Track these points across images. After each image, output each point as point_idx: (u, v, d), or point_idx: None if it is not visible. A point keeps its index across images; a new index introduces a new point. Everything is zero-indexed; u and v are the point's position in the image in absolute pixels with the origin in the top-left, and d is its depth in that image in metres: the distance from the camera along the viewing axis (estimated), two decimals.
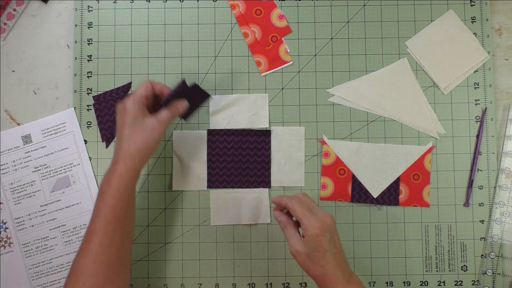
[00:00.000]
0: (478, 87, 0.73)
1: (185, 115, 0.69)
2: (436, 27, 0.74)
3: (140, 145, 0.59)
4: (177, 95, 0.65)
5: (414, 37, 0.74)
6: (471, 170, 0.72)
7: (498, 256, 0.71)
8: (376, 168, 0.72)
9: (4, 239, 0.71)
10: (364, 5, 0.74)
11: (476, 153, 0.72)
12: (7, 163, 0.72)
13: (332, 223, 0.58)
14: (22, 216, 0.71)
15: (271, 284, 0.71)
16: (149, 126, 0.60)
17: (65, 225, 0.71)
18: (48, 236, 0.71)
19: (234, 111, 0.73)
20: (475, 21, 0.74)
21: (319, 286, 0.58)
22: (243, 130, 0.72)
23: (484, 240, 0.71)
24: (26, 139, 0.72)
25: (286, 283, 0.71)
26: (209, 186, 0.72)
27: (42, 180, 0.71)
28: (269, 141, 0.72)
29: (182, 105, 0.65)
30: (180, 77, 0.73)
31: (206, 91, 0.70)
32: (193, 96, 0.68)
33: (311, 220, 0.56)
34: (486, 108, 0.72)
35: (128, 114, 0.60)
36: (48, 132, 0.72)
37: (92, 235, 0.57)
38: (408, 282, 0.71)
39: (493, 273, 0.71)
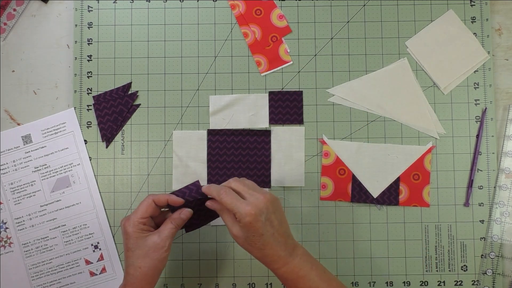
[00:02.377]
0: (478, 87, 0.73)
1: (188, 227, 0.63)
2: (436, 27, 0.74)
3: (145, 270, 0.57)
4: (182, 195, 0.60)
5: (414, 37, 0.74)
6: (471, 170, 0.72)
7: (498, 256, 0.71)
8: (376, 168, 0.72)
9: (4, 239, 0.71)
10: (364, 5, 0.74)
11: (476, 153, 0.72)
12: (7, 163, 0.72)
13: (266, 204, 0.56)
14: (22, 216, 0.71)
15: (271, 284, 0.71)
16: (152, 247, 0.57)
17: (65, 225, 0.71)
18: (48, 236, 0.71)
19: (234, 111, 0.73)
20: (475, 21, 0.74)
21: (264, 264, 0.59)
22: (243, 130, 0.72)
23: (484, 240, 0.71)
24: (26, 139, 0.72)
25: None
26: None
27: (42, 180, 0.71)
28: (269, 141, 0.72)
29: (186, 213, 0.60)
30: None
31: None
32: (203, 207, 0.61)
33: (241, 208, 0.55)
34: (486, 108, 0.72)
35: (129, 238, 0.58)
36: (48, 132, 0.72)
37: None
38: (408, 282, 0.71)
39: (493, 273, 0.71)
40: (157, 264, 0.58)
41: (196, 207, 0.61)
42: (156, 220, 0.62)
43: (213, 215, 0.63)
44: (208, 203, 0.59)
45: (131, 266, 0.58)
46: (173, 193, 0.60)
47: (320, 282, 0.58)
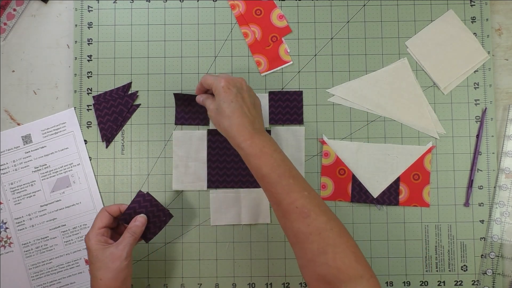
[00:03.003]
0: (478, 87, 0.73)
1: (147, 236, 0.63)
2: (436, 27, 0.74)
3: (106, 281, 0.57)
4: (134, 211, 0.62)
5: (414, 37, 0.74)
6: (471, 170, 0.72)
7: (498, 256, 0.71)
8: (376, 168, 0.72)
9: (4, 239, 0.71)
10: (364, 5, 0.74)
11: (476, 153, 0.72)
12: (7, 163, 0.72)
13: (240, 81, 0.62)
14: (22, 216, 0.71)
15: (271, 284, 0.71)
16: (110, 258, 0.57)
17: (65, 225, 0.71)
18: (48, 236, 0.71)
19: None
20: (475, 21, 0.74)
21: (230, 140, 0.60)
22: None
23: (484, 240, 0.71)
24: (26, 139, 0.72)
25: (286, 283, 0.71)
26: (209, 186, 0.72)
27: (42, 180, 0.71)
28: None
29: (140, 219, 0.61)
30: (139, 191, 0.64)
31: (166, 209, 0.64)
32: (155, 212, 0.63)
33: (219, 77, 0.61)
34: (486, 108, 0.72)
35: (89, 251, 0.59)
36: (48, 132, 0.72)
37: None
38: (408, 282, 0.71)
39: (493, 273, 0.71)
40: (118, 274, 0.57)
41: (150, 215, 0.63)
42: (117, 235, 0.63)
43: (166, 218, 0.64)
44: (197, 98, 0.67)
45: (93, 278, 0.58)
46: (125, 211, 0.62)
47: (282, 163, 0.58)
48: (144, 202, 0.63)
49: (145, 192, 0.63)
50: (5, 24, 0.74)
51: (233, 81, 0.61)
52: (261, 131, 0.61)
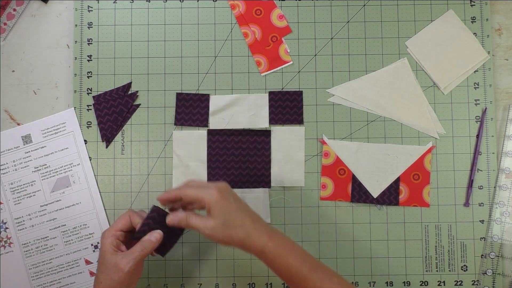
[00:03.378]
0: (478, 87, 0.73)
1: (161, 250, 0.61)
2: (436, 27, 0.74)
3: (104, 286, 0.56)
4: (148, 228, 0.59)
5: (414, 37, 0.74)
6: (471, 170, 0.72)
7: (498, 256, 0.71)
8: (376, 168, 0.72)
9: (4, 239, 0.71)
10: (364, 5, 0.74)
11: (476, 153, 0.72)
12: (7, 163, 0.72)
13: (226, 186, 0.58)
14: (22, 216, 0.71)
15: (271, 284, 0.71)
16: (113, 267, 0.56)
17: (65, 225, 0.71)
18: (48, 236, 0.71)
19: (234, 111, 0.73)
20: (475, 21, 0.74)
21: (247, 250, 0.57)
22: (243, 130, 0.72)
23: (484, 240, 0.71)
24: (26, 139, 0.72)
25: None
26: None
27: (42, 180, 0.71)
28: (269, 141, 0.72)
29: (156, 236, 0.58)
30: (151, 205, 0.62)
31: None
32: (170, 227, 0.60)
33: (206, 190, 0.56)
34: (486, 108, 0.72)
35: (101, 249, 0.58)
36: (48, 132, 0.72)
37: None
38: (408, 282, 0.71)
39: (493, 273, 0.71)
40: (115, 285, 0.56)
41: (165, 230, 0.60)
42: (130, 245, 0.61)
43: (181, 232, 0.62)
44: (169, 219, 0.58)
45: (96, 278, 0.58)
46: (139, 228, 0.59)
47: (306, 255, 0.57)
48: (159, 217, 0.60)
49: (160, 207, 0.61)
50: (5, 24, 0.74)
51: (223, 188, 0.57)
52: (268, 226, 0.58)
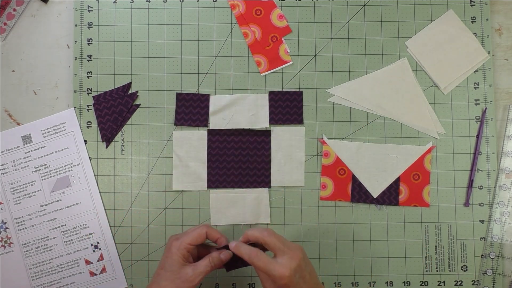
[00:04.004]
0: (478, 87, 0.73)
1: (228, 267, 0.62)
2: (436, 27, 0.74)
3: None
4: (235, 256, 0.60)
5: (414, 37, 0.74)
6: (471, 170, 0.72)
7: (498, 256, 0.71)
8: (376, 168, 0.72)
9: (4, 239, 0.71)
10: (364, 5, 0.74)
11: (476, 153, 0.72)
12: (7, 163, 0.72)
13: (299, 262, 0.56)
14: (22, 216, 0.71)
15: None
16: (183, 279, 0.58)
17: (65, 225, 0.71)
18: (48, 236, 0.71)
19: (234, 111, 0.73)
20: (475, 21, 0.74)
21: None
22: (243, 130, 0.72)
23: (484, 240, 0.71)
24: (26, 139, 0.72)
25: None
26: (209, 186, 0.72)
27: (42, 180, 0.71)
28: (269, 141, 0.72)
29: (225, 255, 0.60)
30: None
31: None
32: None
33: (276, 271, 0.55)
34: (486, 108, 0.72)
35: (169, 257, 0.59)
36: (48, 132, 0.72)
37: None
38: (408, 282, 0.71)
39: (493, 273, 0.71)
40: None
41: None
42: (199, 251, 0.63)
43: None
44: (239, 247, 0.59)
45: (156, 284, 0.58)
46: (228, 263, 0.60)
47: None
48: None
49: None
50: (5, 24, 0.74)
51: (293, 270, 0.56)
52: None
